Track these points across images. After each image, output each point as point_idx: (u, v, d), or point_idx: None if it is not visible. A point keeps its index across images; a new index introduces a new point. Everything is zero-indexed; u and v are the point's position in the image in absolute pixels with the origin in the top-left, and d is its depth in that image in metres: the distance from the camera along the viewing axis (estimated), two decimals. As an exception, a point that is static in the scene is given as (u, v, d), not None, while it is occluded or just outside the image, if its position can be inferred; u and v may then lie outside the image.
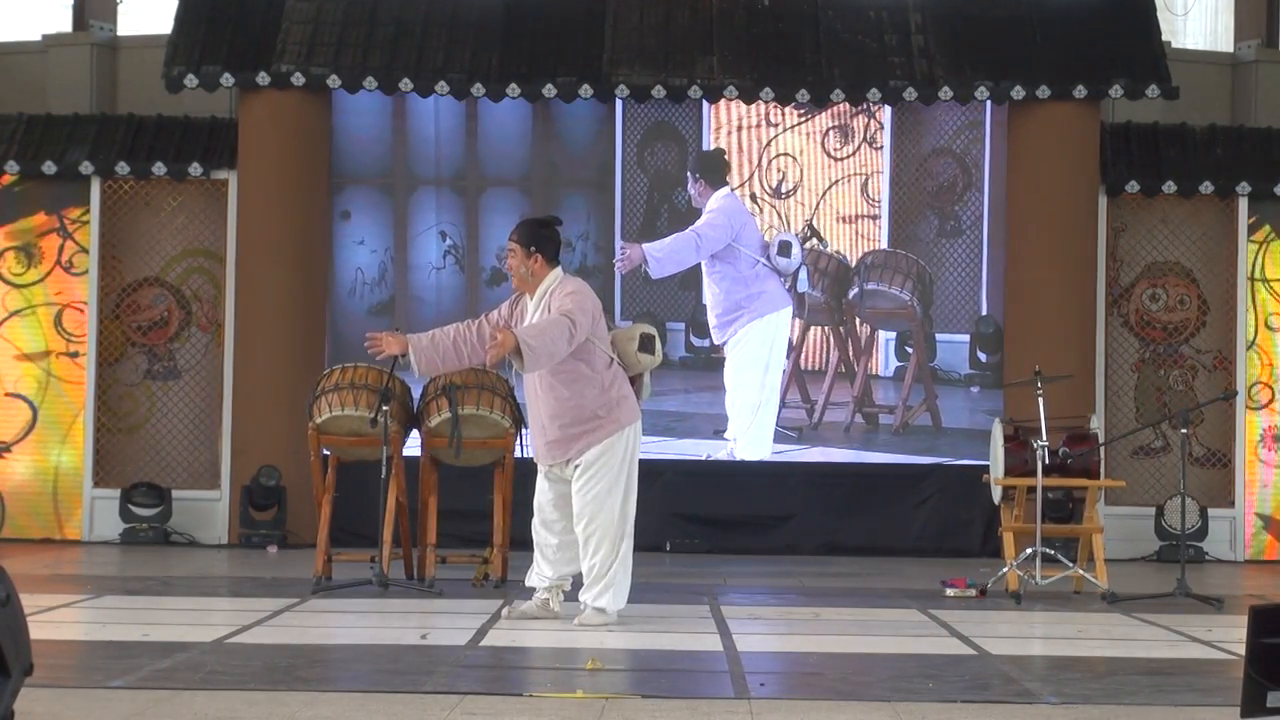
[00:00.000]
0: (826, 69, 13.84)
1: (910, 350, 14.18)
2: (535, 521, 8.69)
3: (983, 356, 14.17)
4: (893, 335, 14.25)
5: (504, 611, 8.70)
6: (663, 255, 13.95)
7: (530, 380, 8.50)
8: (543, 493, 8.64)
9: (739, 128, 14.24)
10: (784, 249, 14.01)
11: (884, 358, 14.27)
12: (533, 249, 8.50)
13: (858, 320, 14.20)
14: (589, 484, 8.41)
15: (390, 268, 14.24)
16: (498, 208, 14.29)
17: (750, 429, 14.04)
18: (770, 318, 14.05)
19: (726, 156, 14.17)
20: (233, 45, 13.81)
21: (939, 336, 14.22)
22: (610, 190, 14.24)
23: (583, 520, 8.44)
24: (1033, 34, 14.06)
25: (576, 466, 8.44)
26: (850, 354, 14.18)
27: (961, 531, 13.90)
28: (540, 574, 8.69)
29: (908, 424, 14.13)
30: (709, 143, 14.25)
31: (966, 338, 14.22)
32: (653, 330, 8.78)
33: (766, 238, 14.12)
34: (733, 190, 14.10)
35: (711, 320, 14.05)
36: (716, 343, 14.05)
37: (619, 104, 14.10)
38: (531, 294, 8.56)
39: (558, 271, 8.58)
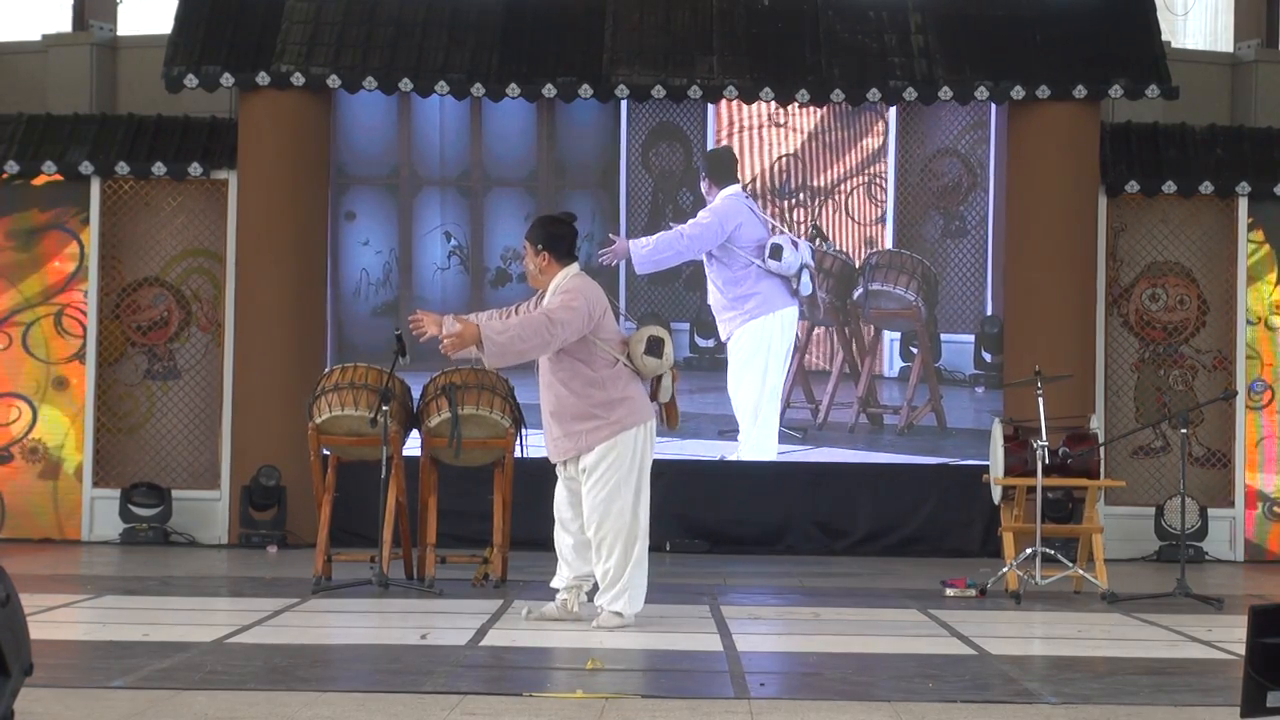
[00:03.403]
0: (826, 69, 13.84)
1: (915, 350, 14.18)
2: (556, 525, 8.70)
3: (988, 357, 14.18)
4: (897, 335, 14.26)
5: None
6: (647, 252, 13.95)
7: (540, 378, 8.51)
8: (560, 495, 8.65)
9: (743, 128, 14.24)
10: (775, 252, 14.00)
11: (889, 358, 14.27)
12: (540, 247, 8.49)
13: (862, 320, 14.21)
14: (595, 487, 8.39)
15: (395, 268, 14.25)
16: (502, 208, 14.30)
17: (753, 431, 14.04)
18: (765, 319, 14.03)
19: (731, 156, 14.18)
20: (233, 45, 13.82)
21: (944, 337, 14.23)
22: (615, 190, 14.25)
23: (592, 524, 8.42)
24: (1033, 34, 14.06)
25: (584, 470, 8.43)
26: (855, 354, 14.19)
27: (961, 531, 13.90)
28: (559, 575, 8.70)
29: (912, 424, 14.13)
30: (713, 143, 14.26)
31: (971, 338, 14.22)
32: (662, 334, 8.63)
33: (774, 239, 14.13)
34: (743, 188, 14.11)
35: (715, 318, 14.08)
36: (722, 339, 14.08)
37: (623, 104, 14.11)
38: (545, 291, 8.55)
39: (571, 269, 8.53)
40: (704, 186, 14.11)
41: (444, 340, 8.29)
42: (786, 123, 14.24)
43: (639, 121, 14.26)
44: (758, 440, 14.05)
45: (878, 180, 14.29)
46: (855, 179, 14.27)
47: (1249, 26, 16.43)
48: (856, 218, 14.27)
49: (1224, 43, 16.72)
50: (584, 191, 14.33)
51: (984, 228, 14.26)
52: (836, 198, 14.26)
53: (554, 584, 8.73)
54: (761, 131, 14.25)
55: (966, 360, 14.23)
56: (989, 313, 14.21)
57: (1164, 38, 14.42)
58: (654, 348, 8.55)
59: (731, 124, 14.26)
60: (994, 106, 14.10)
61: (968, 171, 14.31)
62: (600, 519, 8.38)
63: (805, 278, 14.08)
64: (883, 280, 14.22)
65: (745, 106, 14.08)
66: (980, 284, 14.25)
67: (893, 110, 14.18)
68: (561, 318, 8.24)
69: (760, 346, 14.06)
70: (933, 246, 14.27)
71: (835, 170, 14.27)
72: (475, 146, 14.31)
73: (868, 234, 14.29)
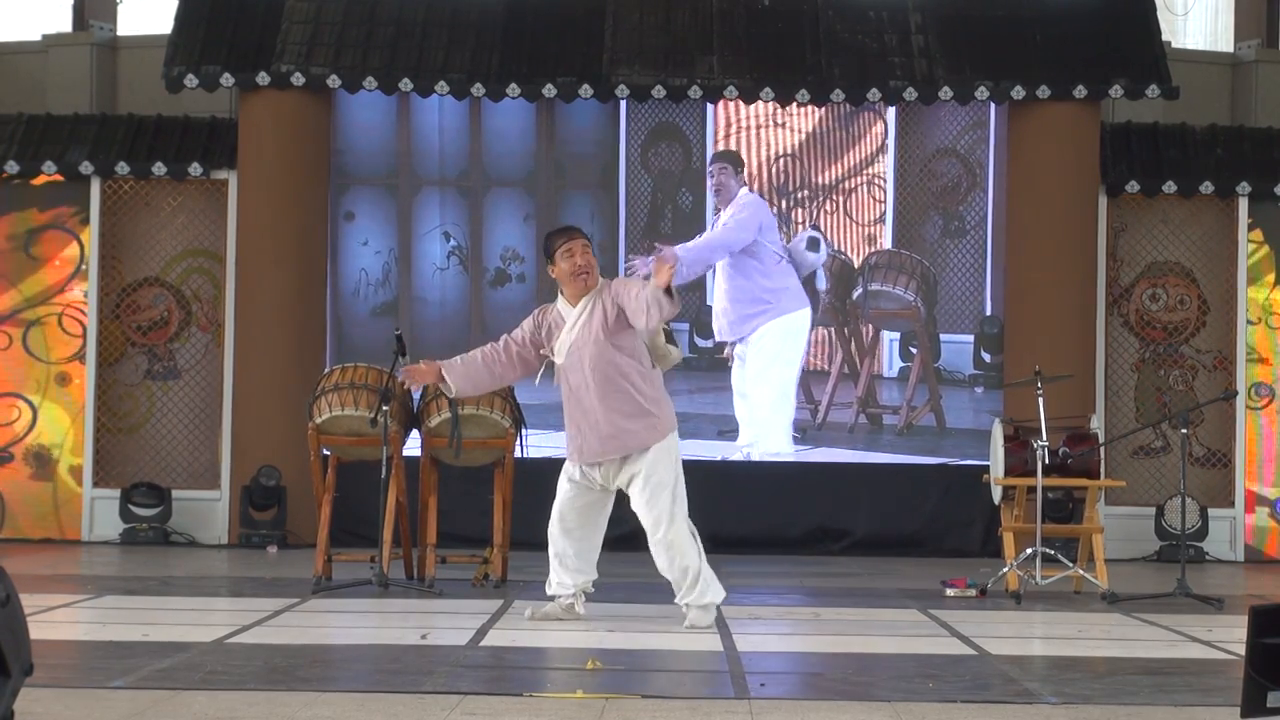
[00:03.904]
0: (826, 69, 13.84)
1: (914, 350, 14.19)
2: (554, 530, 8.63)
3: (987, 357, 14.18)
4: (897, 336, 14.26)
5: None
6: (690, 257, 13.88)
7: (580, 383, 8.46)
8: (567, 500, 8.58)
9: (743, 128, 14.25)
10: (813, 244, 14.03)
11: (888, 358, 14.28)
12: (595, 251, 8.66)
13: (862, 320, 14.21)
14: (655, 496, 8.37)
15: (394, 269, 14.25)
16: (502, 208, 14.31)
17: (769, 428, 14.02)
18: (790, 316, 14.03)
19: (741, 157, 14.20)
20: (233, 45, 13.82)
21: (943, 337, 14.23)
22: (614, 191, 14.25)
23: (658, 532, 8.39)
24: (1033, 34, 14.07)
25: (634, 477, 8.40)
26: (854, 354, 14.19)
27: (961, 531, 13.90)
28: (560, 583, 8.64)
29: (912, 424, 14.14)
30: (712, 143, 14.26)
31: (971, 338, 14.23)
32: (668, 325, 8.84)
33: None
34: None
35: (728, 316, 13.99)
36: (729, 339, 14.02)
37: (623, 105, 14.11)
38: (577, 298, 8.48)
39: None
40: (722, 177, 14.11)
41: (657, 275, 8.13)
42: (786, 123, 14.24)
43: (638, 121, 14.27)
44: (774, 437, 14.02)
45: (877, 180, 14.29)
46: (855, 179, 14.27)
47: (1249, 26, 16.43)
48: (856, 218, 14.28)
49: (1224, 43, 16.72)
50: (583, 192, 14.33)
51: (983, 228, 14.27)
52: (836, 198, 14.26)
53: (552, 591, 8.69)
54: (761, 132, 14.25)
55: (966, 360, 14.23)
56: (988, 313, 14.22)
57: (1164, 38, 14.42)
58: (671, 337, 8.70)
59: (731, 124, 14.27)
60: (993, 106, 14.11)
61: (967, 172, 14.31)
62: (668, 523, 8.37)
63: (820, 274, 14.11)
64: (882, 280, 14.22)
65: (745, 106, 14.08)
66: (979, 284, 14.25)
67: (892, 110, 14.18)
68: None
69: (789, 342, 14.03)
70: (932, 246, 14.28)
71: (835, 170, 14.27)
72: (474, 146, 14.31)
73: (867, 234, 14.29)
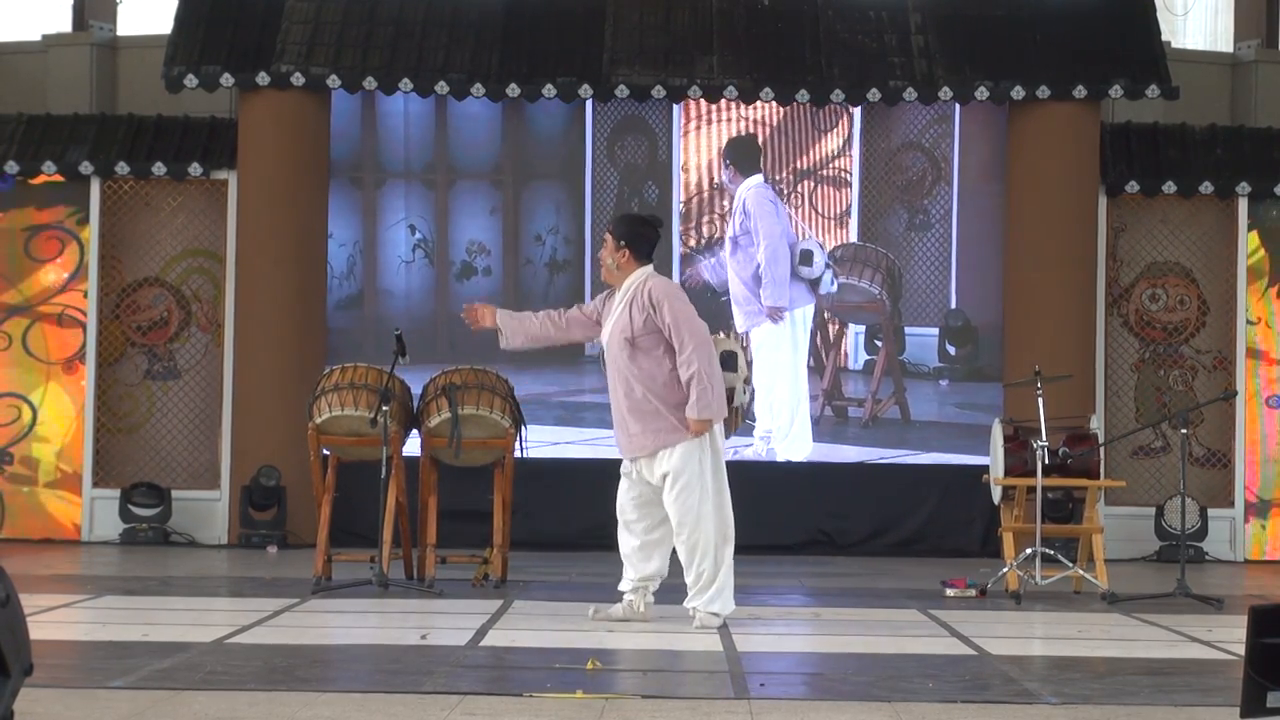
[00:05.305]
0: (826, 69, 13.84)
1: (879, 344, 14.21)
2: (619, 525, 8.67)
3: (951, 350, 14.21)
4: (862, 329, 14.28)
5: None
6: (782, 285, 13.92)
7: (611, 375, 8.51)
8: (624, 493, 8.61)
9: (708, 122, 14.25)
10: (805, 258, 14.03)
11: (853, 351, 14.30)
12: (623, 243, 8.48)
13: (827, 314, 14.23)
14: (681, 495, 8.37)
15: (359, 261, 14.26)
16: (467, 201, 14.32)
17: (791, 429, 14.02)
18: (792, 314, 14.04)
19: (760, 142, 14.17)
20: (233, 45, 13.82)
21: (908, 330, 14.26)
22: (580, 184, 14.25)
23: (683, 532, 8.41)
24: (1033, 34, 14.07)
25: (665, 476, 8.39)
26: (819, 347, 14.21)
27: (961, 531, 13.90)
28: (625, 577, 8.68)
29: (877, 417, 14.16)
30: (679, 137, 14.25)
31: (935, 331, 14.25)
32: (734, 347, 8.76)
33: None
34: (765, 179, 14.12)
35: (738, 306, 14.02)
36: (739, 330, 14.04)
37: (588, 99, 14.09)
38: (617, 287, 8.53)
39: (648, 269, 8.52)
40: (727, 176, 14.13)
41: (690, 429, 8.32)
42: (751, 116, 14.23)
43: (605, 115, 14.26)
44: (794, 438, 14.02)
45: (843, 174, 14.30)
46: (820, 173, 14.28)
47: (1249, 26, 16.43)
48: (821, 211, 14.29)
49: (1224, 43, 16.72)
50: (549, 185, 14.34)
51: (948, 221, 14.29)
52: (801, 191, 14.26)
53: (621, 587, 8.71)
54: (725, 126, 14.24)
55: (931, 353, 14.26)
56: (953, 306, 14.24)
57: (1164, 38, 14.42)
58: (728, 362, 8.57)
59: (697, 117, 14.25)
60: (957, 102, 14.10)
61: (932, 166, 14.33)
62: (691, 526, 8.39)
63: (828, 277, 14.10)
64: (847, 274, 14.25)
65: (708, 101, 14.04)
66: (945, 278, 14.27)
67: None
68: (698, 328, 8.33)
69: (790, 341, 14.03)
70: (897, 240, 14.30)
71: (800, 164, 14.29)
72: (440, 140, 14.32)
73: (832, 227, 14.30)
